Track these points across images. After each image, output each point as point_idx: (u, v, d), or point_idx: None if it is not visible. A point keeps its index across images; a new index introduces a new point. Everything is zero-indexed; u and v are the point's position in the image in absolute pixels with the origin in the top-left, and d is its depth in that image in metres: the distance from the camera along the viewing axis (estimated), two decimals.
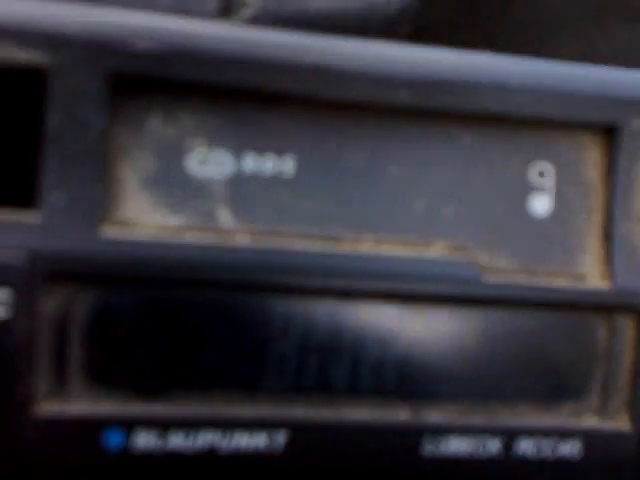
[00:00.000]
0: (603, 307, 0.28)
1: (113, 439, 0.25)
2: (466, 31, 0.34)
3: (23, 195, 0.25)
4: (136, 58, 0.25)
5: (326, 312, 0.27)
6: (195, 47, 0.25)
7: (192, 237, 0.25)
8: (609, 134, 0.28)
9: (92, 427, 0.25)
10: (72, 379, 0.25)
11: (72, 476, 0.25)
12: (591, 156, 0.28)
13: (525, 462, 0.28)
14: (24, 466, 0.25)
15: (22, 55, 0.24)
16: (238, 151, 0.26)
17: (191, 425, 0.26)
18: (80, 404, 0.25)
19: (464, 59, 0.27)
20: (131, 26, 0.25)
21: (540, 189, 0.28)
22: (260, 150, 0.26)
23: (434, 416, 0.27)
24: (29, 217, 0.24)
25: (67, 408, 0.25)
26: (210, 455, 0.26)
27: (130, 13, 0.25)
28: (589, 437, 0.28)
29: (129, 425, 0.25)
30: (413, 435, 0.27)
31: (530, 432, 0.28)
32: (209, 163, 0.26)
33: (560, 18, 0.37)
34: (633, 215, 0.28)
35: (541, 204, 0.28)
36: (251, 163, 0.26)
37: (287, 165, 0.26)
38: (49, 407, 0.25)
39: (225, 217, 0.26)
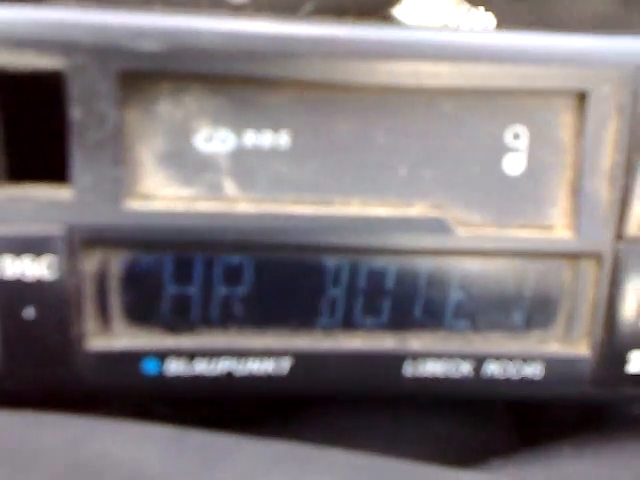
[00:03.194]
0: (569, 254, 0.32)
1: (150, 367, 0.31)
2: None
3: (58, 175, 0.29)
4: (141, 57, 0.28)
5: (324, 264, 0.31)
6: (193, 42, 0.28)
7: (202, 206, 0.30)
8: (580, 99, 0.30)
9: (133, 358, 0.31)
10: (114, 321, 0.31)
11: (118, 397, 0.32)
12: (563, 119, 0.30)
13: (493, 381, 0.33)
14: (80, 391, 0.31)
15: (42, 61, 0.28)
16: (239, 129, 0.30)
17: (212, 354, 0.32)
18: (122, 340, 0.31)
19: (430, 36, 0.29)
20: (134, 28, 0.28)
21: (515, 150, 0.31)
22: (258, 127, 0.30)
23: (415, 344, 0.32)
24: (64, 195, 0.29)
25: (112, 343, 0.31)
26: (228, 378, 0.32)
27: (133, 14, 0.28)
28: (552, 361, 0.33)
29: (162, 356, 0.31)
30: (397, 360, 0.32)
31: (498, 357, 0.33)
32: (214, 140, 0.30)
33: None
34: (600, 172, 0.30)
35: (515, 163, 0.31)
36: (251, 139, 0.30)
37: (283, 139, 0.30)
38: (97, 343, 0.31)
39: (230, 187, 0.30)
